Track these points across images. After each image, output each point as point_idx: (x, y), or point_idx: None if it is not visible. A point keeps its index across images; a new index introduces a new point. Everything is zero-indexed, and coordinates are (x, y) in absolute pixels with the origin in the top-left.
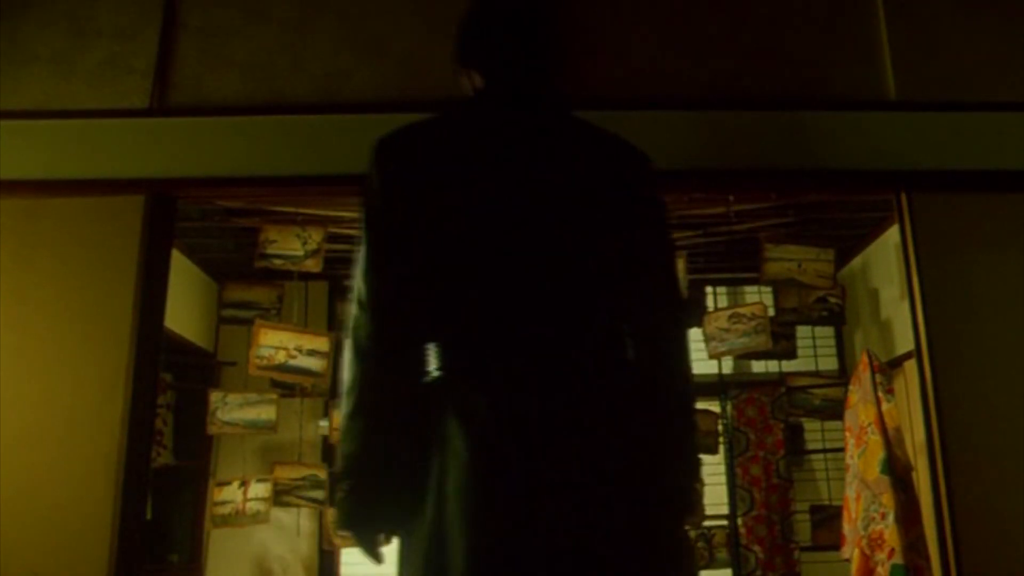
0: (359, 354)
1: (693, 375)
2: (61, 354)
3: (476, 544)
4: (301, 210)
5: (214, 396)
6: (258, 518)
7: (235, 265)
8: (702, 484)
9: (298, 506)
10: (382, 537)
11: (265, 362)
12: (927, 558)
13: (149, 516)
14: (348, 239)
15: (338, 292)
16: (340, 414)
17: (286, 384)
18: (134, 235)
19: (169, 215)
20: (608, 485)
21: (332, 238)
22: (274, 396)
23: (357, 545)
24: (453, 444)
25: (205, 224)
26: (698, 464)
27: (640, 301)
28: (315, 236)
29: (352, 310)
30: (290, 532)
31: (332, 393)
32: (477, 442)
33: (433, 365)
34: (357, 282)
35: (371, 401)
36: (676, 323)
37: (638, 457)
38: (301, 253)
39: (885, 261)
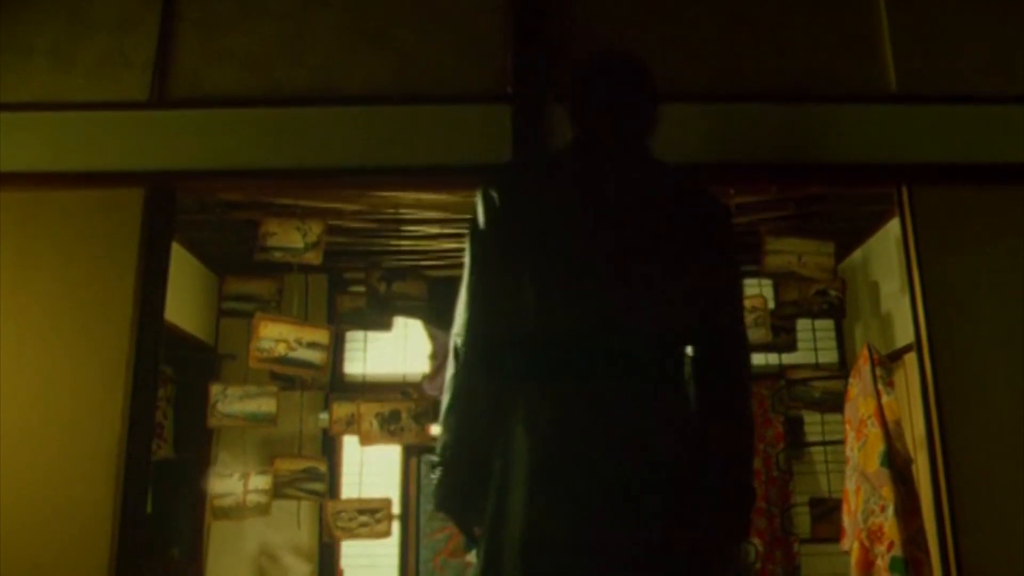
0: (457, 360)
1: (752, 411)
2: (61, 348)
3: (530, 550)
4: (301, 203)
5: (214, 389)
6: (259, 510)
7: (235, 258)
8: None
9: (298, 498)
10: (474, 517)
11: (265, 355)
12: (926, 551)
13: (149, 509)
14: (348, 232)
15: (338, 285)
16: (440, 409)
17: (286, 377)
18: (134, 228)
19: (169, 208)
20: (655, 507)
21: (332, 231)
22: (274, 389)
23: (455, 525)
24: (518, 447)
25: (205, 217)
26: (752, 498)
27: (709, 336)
28: (315, 229)
29: (456, 321)
30: (290, 525)
31: (331, 386)
32: (538, 452)
33: (512, 374)
34: (462, 297)
35: (464, 400)
36: (741, 360)
37: (690, 486)
38: (301, 246)
39: (886, 254)
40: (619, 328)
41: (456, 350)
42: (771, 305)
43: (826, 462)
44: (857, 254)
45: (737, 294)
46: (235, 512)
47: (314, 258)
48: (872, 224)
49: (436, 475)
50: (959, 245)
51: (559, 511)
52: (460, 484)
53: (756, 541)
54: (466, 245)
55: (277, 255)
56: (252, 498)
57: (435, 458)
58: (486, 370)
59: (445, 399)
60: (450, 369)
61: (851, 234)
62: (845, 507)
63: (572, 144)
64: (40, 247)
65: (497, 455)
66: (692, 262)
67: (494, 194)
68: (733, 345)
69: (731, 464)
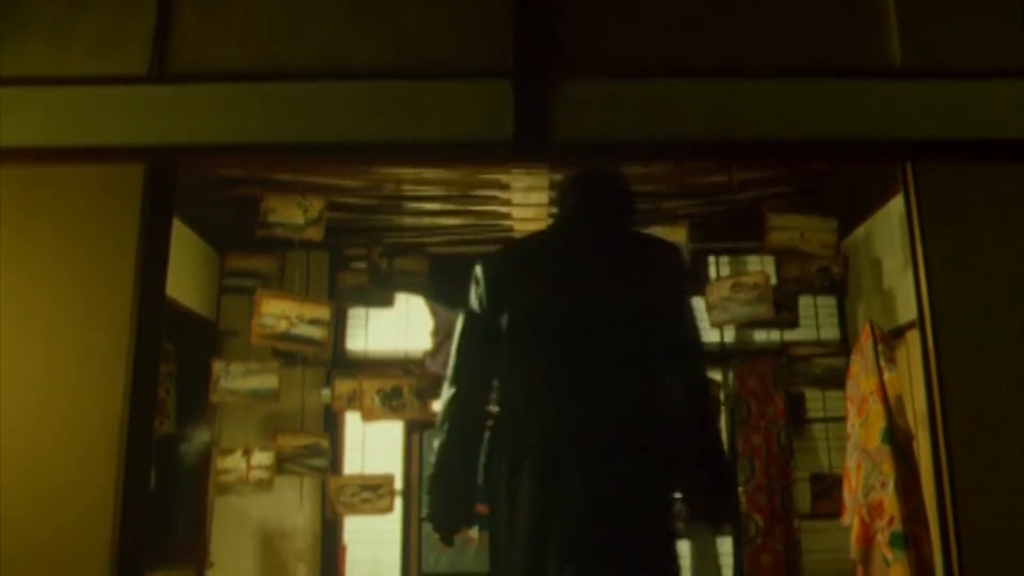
0: (451, 390)
1: (719, 424)
2: (62, 324)
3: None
4: (302, 179)
5: (217, 365)
6: (261, 486)
7: (237, 235)
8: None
9: (301, 474)
10: (456, 525)
11: (267, 331)
12: (926, 527)
13: (152, 485)
14: (349, 208)
15: (339, 262)
16: (435, 434)
17: (288, 353)
18: (134, 204)
19: (169, 184)
20: (633, 517)
21: (333, 207)
22: (276, 365)
23: (436, 531)
24: (521, 471)
25: (206, 194)
26: (730, 487)
27: (677, 370)
28: (316, 205)
29: (450, 363)
30: (293, 500)
31: (333, 362)
32: (536, 471)
33: (503, 408)
34: (455, 343)
35: (454, 424)
36: (707, 393)
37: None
38: (302, 222)
39: (888, 231)
40: (592, 368)
41: (450, 386)
42: (773, 282)
43: (827, 439)
44: (860, 231)
45: (693, 327)
46: (238, 488)
47: (315, 234)
48: (875, 201)
49: (427, 490)
50: (963, 222)
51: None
52: (448, 495)
53: (757, 517)
54: (463, 310)
55: (278, 231)
56: (255, 474)
57: (427, 476)
58: (474, 406)
59: (439, 424)
60: (443, 404)
61: (854, 211)
62: (846, 483)
63: (556, 225)
64: (40, 224)
65: (503, 472)
66: (659, 316)
67: (480, 270)
68: (701, 369)
69: (717, 481)
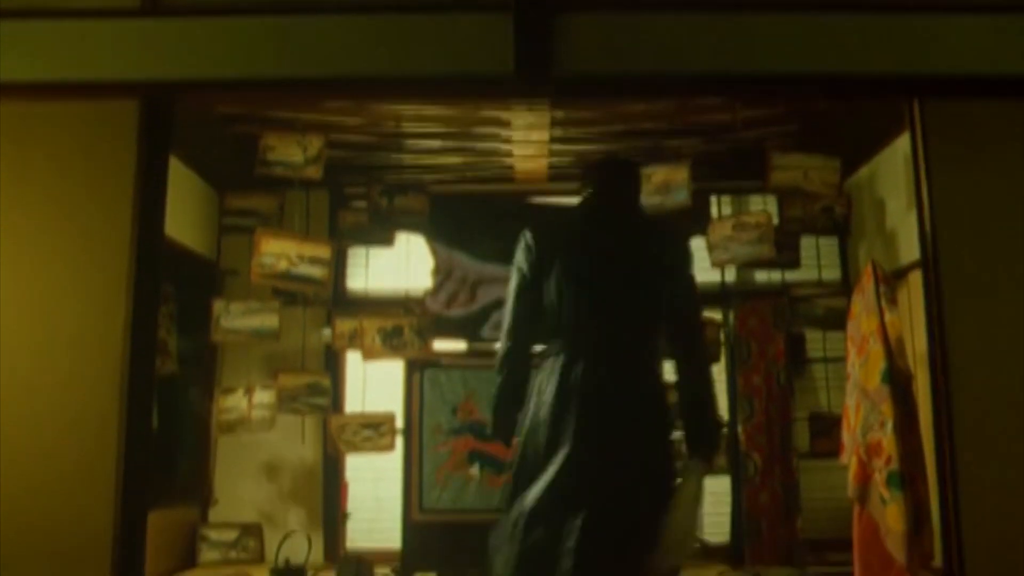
0: (506, 337)
1: (712, 378)
2: (61, 263)
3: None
4: (301, 116)
5: (217, 305)
6: (263, 425)
7: (236, 174)
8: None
9: (302, 413)
10: (511, 434)
11: (267, 270)
12: (923, 467)
13: (155, 424)
14: (349, 146)
15: (339, 200)
16: (496, 374)
17: (288, 292)
18: (130, 141)
19: (165, 120)
20: (637, 434)
21: (333, 145)
22: (276, 305)
23: (497, 437)
24: (549, 389)
25: (204, 132)
26: (718, 429)
27: (679, 334)
28: (315, 143)
29: (506, 321)
30: (295, 439)
31: (334, 301)
32: (562, 391)
33: (547, 349)
34: (510, 302)
35: (511, 361)
36: (705, 361)
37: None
38: (301, 160)
39: (893, 171)
40: (612, 322)
41: (506, 333)
42: (775, 221)
43: (827, 379)
44: (864, 171)
45: (694, 295)
46: (240, 427)
47: (315, 173)
48: (880, 140)
49: (493, 408)
50: (969, 160)
51: (572, 429)
52: (507, 411)
53: (756, 456)
54: (512, 272)
55: (277, 170)
56: (256, 413)
57: (492, 398)
58: (523, 348)
59: (498, 360)
60: (502, 344)
61: (858, 150)
62: (845, 423)
63: (584, 204)
64: (35, 162)
65: (533, 395)
66: (658, 276)
67: (530, 237)
68: (696, 328)
69: (706, 418)
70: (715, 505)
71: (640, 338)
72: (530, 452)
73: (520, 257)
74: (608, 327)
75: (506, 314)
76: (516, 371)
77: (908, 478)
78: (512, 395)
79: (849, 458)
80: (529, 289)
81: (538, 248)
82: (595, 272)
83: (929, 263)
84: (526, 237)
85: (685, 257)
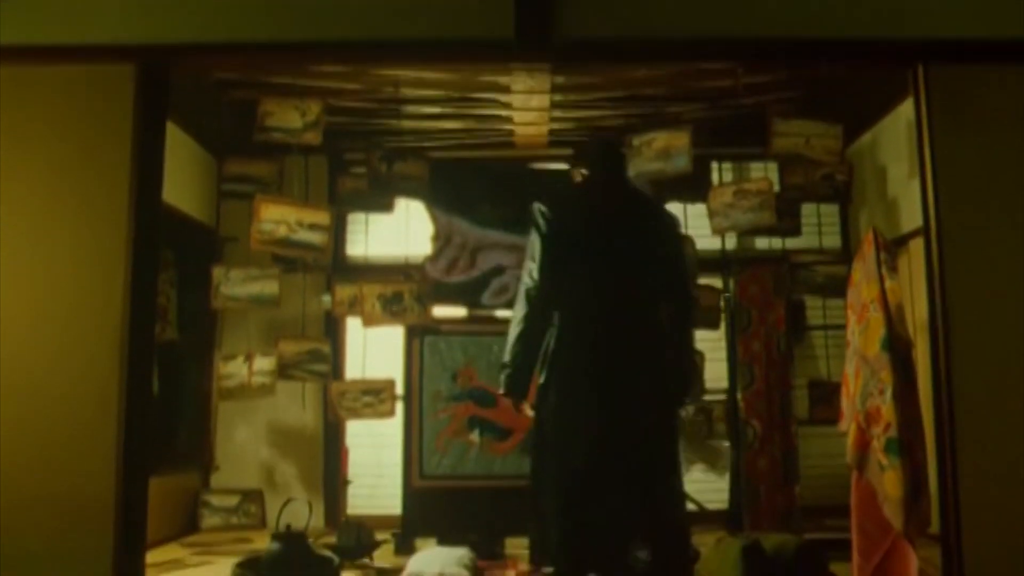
0: (523, 306)
1: (695, 344)
2: (58, 228)
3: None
4: (299, 82)
5: (217, 271)
6: (264, 391)
7: (234, 140)
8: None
9: (303, 379)
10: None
11: (266, 237)
12: (921, 434)
13: (156, 390)
14: (348, 112)
15: (338, 166)
16: (510, 333)
17: (288, 259)
18: (127, 105)
19: (161, 84)
20: (636, 396)
21: (332, 111)
22: (276, 271)
23: (510, 397)
24: (562, 358)
25: (202, 98)
26: (693, 388)
27: (671, 302)
28: (314, 109)
29: (523, 278)
30: (296, 405)
31: (334, 268)
32: (574, 359)
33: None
34: (527, 272)
35: (525, 329)
36: (688, 317)
37: (659, 384)
38: (300, 126)
39: (895, 138)
40: (616, 290)
41: (522, 302)
42: (776, 189)
43: (826, 346)
44: (866, 138)
45: (685, 268)
46: (240, 393)
47: (313, 138)
48: (882, 107)
49: (505, 372)
50: (973, 127)
51: (581, 391)
52: (519, 376)
53: (755, 423)
54: (529, 241)
55: (276, 135)
56: (257, 379)
57: (505, 362)
58: (541, 313)
59: (513, 328)
60: (516, 311)
61: (860, 117)
62: (844, 390)
63: (584, 184)
64: (32, 126)
65: (545, 363)
66: (655, 249)
67: (544, 212)
68: (685, 298)
69: (682, 364)
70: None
71: (642, 300)
72: (547, 416)
73: (539, 224)
74: (613, 292)
75: (524, 278)
76: (534, 333)
77: (906, 445)
78: (530, 353)
79: (848, 425)
80: (547, 254)
81: (551, 218)
82: (601, 242)
83: (931, 229)
84: (539, 209)
85: (674, 225)
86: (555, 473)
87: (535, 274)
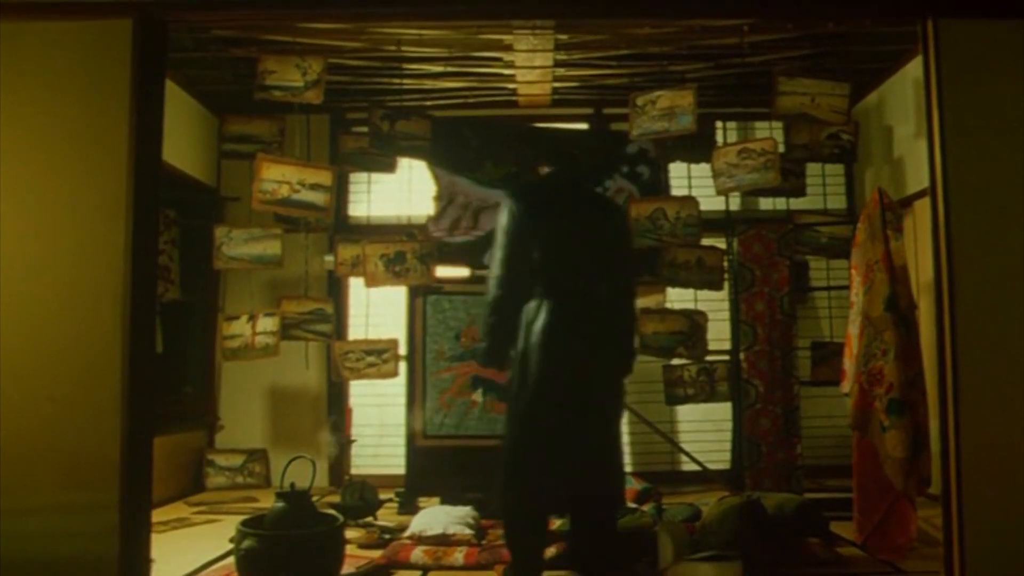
0: (495, 285)
1: (635, 311)
2: (58, 184)
3: (540, 364)
4: (300, 40)
5: (219, 231)
6: (267, 351)
7: (234, 98)
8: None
9: (306, 339)
10: (503, 362)
11: (268, 196)
12: (923, 394)
13: (160, 348)
14: (349, 71)
15: (340, 125)
16: (485, 311)
17: (290, 218)
18: (125, 60)
19: (160, 39)
20: (599, 347)
21: (333, 69)
22: (278, 231)
23: (488, 365)
24: (535, 324)
25: (202, 55)
26: (633, 352)
27: (617, 278)
28: (315, 67)
29: (494, 265)
30: (299, 365)
31: (336, 228)
32: (547, 325)
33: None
34: (498, 251)
35: (499, 306)
36: (630, 291)
37: (611, 337)
38: (301, 84)
39: (902, 97)
40: (580, 274)
41: (493, 281)
42: (781, 148)
43: (829, 307)
44: (872, 97)
45: (629, 251)
46: (244, 353)
47: (315, 97)
48: (889, 66)
49: (483, 343)
50: (984, 83)
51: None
52: (498, 345)
53: (757, 382)
54: (498, 232)
55: (277, 94)
56: (260, 339)
57: (481, 336)
58: (514, 292)
59: (488, 306)
60: (490, 290)
61: (867, 75)
62: (847, 350)
63: (545, 177)
64: (30, 82)
65: (523, 327)
66: (612, 244)
67: (514, 204)
68: (628, 280)
69: (625, 334)
70: (716, 432)
71: (601, 281)
72: (524, 373)
73: (505, 220)
74: (577, 273)
75: (495, 264)
76: (509, 314)
77: (908, 406)
78: (506, 334)
79: (851, 386)
80: (514, 244)
81: (519, 213)
82: (564, 231)
83: (937, 189)
84: (509, 205)
85: (624, 218)
86: (517, 429)
87: (504, 263)
